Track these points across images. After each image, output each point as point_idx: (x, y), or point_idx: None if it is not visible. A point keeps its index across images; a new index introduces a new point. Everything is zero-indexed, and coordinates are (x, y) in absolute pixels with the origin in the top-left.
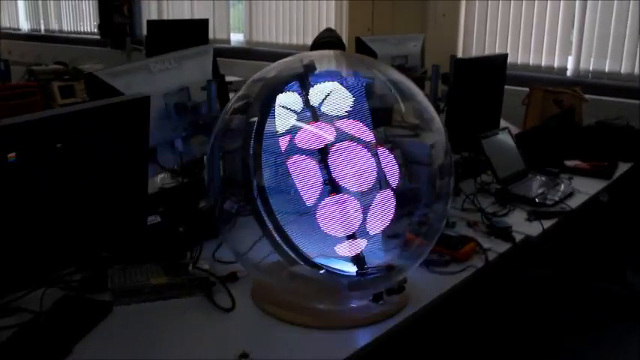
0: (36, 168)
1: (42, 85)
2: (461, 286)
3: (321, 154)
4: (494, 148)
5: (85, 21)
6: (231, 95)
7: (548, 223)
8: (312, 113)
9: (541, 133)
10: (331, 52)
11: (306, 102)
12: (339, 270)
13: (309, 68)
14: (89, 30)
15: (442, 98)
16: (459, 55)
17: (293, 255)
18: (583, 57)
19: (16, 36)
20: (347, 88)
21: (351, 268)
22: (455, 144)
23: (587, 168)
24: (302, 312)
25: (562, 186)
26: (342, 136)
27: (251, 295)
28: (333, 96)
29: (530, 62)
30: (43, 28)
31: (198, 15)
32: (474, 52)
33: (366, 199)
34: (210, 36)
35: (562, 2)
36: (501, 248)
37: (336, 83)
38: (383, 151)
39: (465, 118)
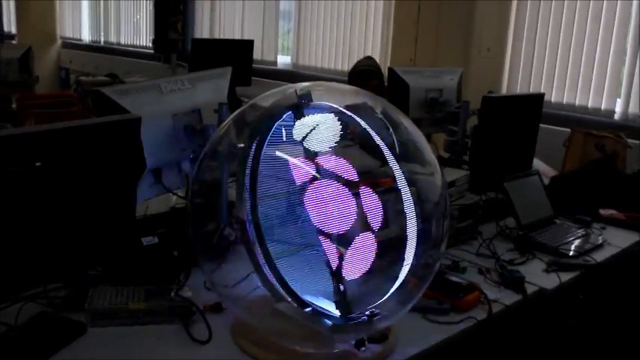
0: (14, 184)
1: (84, 96)
2: (456, 338)
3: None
4: (520, 191)
5: (142, 35)
6: None
7: (567, 276)
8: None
9: (578, 178)
10: (329, 84)
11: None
12: (325, 310)
13: (305, 99)
14: (145, 44)
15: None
16: (503, 92)
17: (280, 290)
18: (632, 100)
19: (77, 46)
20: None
21: (337, 310)
22: (479, 184)
23: (623, 219)
24: (281, 353)
25: (593, 237)
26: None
27: (230, 330)
28: (320, 130)
29: (577, 103)
30: (102, 39)
31: (248, 36)
32: (519, 89)
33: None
34: (258, 57)
35: (613, 42)
36: (510, 300)
37: (327, 116)
38: (366, 191)
39: (490, 158)
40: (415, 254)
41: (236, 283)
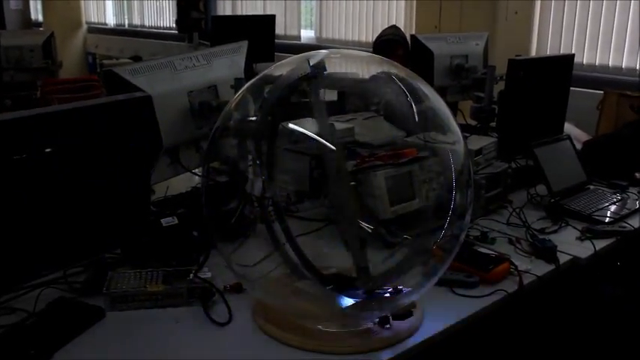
0: (24, 171)
1: None
2: (485, 312)
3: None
4: (550, 157)
5: (165, 16)
6: None
7: (602, 244)
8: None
9: (613, 142)
10: (345, 51)
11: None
12: (347, 287)
13: (318, 68)
14: (169, 25)
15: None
16: (532, 55)
17: (301, 267)
18: None
19: (102, 30)
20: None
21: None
22: (507, 150)
23: None
24: (302, 333)
25: (629, 202)
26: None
27: (251, 311)
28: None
29: (610, 63)
30: (127, 23)
31: (270, 12)
32: (549, 53)
33: None
34: (281, 32)
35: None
36: (542, 271)
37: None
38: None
39: (518, 123)
40: (439, 226)
41: (256, 263)
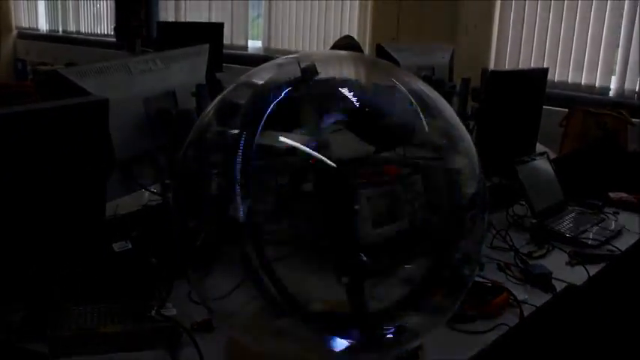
0: None
1: (42, 86)
2: (490, 350)
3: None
4: (531, 175)
5: (103, 23)
6: None
7: (593, 269)
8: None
9: (582, 159)
10: (339, 53)
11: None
12: (339, 326)
13: (309, 72)
14: (106, 32)
15: (472, 116)
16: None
17: (281, 301)
18: (628, 76)
19: (34, 36)
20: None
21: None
22: (487, 169)
23: (635, 202)
24: None
25: (609, 223)
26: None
27: (224, 355)
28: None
29: (569, 80)
30: (61, 29)
31: (215, 20)
32: (507, 67)
33: None
34: (228, 42)
35: (607, 15)
36: (539, 300)
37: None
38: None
39: (497, 140)
40: (429, 252)
41: (227, 294)
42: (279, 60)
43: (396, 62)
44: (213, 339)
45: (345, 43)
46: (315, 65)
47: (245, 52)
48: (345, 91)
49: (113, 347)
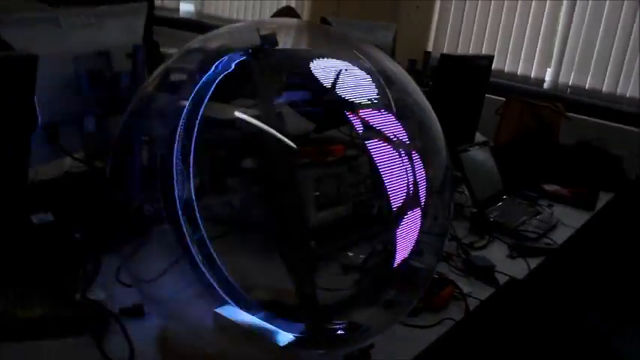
0: None
1: None
2: (437, 344)
3: None
4: (473, 164)
5: None
6: None
7: (533, 262)
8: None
9: (517, 149)
10: (300, 22)
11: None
12: (284, 318)
13: (269, 41)
14: None
15: None
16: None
17: (219, 289)
18: (563, 70)
19: None
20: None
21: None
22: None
23: (568, 195)
24: None
25: (545, 216)
26: None
27: (158, 345)
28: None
29: (506, 69)
30: None
31: None
32: (445, 52)
33: None
34: (158, 3)
35: (547, 8)
36: (482, 293)
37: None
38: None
39: (444, 126)
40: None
41: (159, 276)
42: (237, 25)
43: None
44: (144, 326)
45: (286, 14)
46: (275, 34)
47: (176, 16)
48: (305, 63)
49: (31, 334)
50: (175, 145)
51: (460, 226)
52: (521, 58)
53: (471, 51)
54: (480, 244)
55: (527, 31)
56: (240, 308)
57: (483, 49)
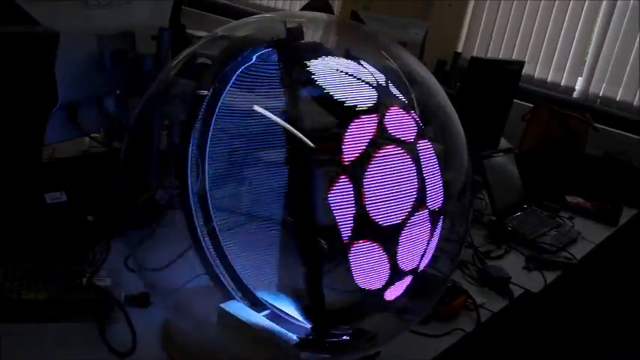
0: None
1: None
2: (445, 355)
3: None
4: (495, 171)
5: None
6: None
7: (550, 276)
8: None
9: (542, 158)
10: (330, 17)
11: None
12: (292, 317)
13: (295, 34)
14: None
15: None
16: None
17: (226, 284)
18: (595, 80)
19: None
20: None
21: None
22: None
23: (590, 209)
24: None
25: (566, 228)
26: None
27: (161, 337)
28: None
29: (535, 75)
30: None
31: None
32: (475, 54)
33: None
34: None
35: (582, 16)
36: (495, 304)
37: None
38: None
39: (466, 129)
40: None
41: (167, 265)
42: (264, 16)
43: None
44: (149, 315)
45: (317, 6)
46: (301, 27)
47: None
48: (329, 60)
49: (34, 316)
50: (192, 132)
51: (477, 234)
52: (552, 65)
53: (502, 54)
54: (496, 253)
55: (561, 38)
56: (246, 305)
57: (514, 53)
